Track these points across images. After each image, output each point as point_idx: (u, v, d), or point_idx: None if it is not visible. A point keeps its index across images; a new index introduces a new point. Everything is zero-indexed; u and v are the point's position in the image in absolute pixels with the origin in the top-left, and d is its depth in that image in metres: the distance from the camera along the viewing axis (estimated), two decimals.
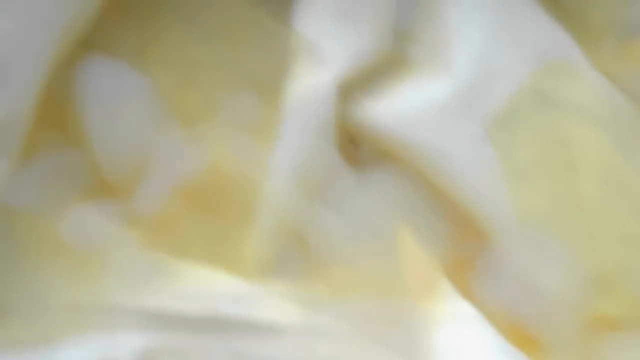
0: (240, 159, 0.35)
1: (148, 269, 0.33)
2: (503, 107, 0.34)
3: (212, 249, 0.34)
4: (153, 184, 0.35)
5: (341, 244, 0.35)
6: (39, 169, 0.34)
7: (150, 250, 0.34)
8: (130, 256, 0.33)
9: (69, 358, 0.31)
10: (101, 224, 0.34)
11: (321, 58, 0.34)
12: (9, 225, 0.33)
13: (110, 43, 0.36)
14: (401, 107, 0.34)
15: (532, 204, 0.34)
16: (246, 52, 0.37)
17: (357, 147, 0.35)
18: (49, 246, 0.33)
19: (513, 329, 0.34)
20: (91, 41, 0.36)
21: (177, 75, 0.36)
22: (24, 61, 0.33)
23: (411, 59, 0.35)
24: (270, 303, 0.33)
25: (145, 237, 0.34)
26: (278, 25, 0.37)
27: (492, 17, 0.35)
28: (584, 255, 0.33)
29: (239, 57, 0.37)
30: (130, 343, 0.31)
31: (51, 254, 0.33)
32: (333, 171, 0.34)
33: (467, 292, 0.34)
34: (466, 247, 0.35)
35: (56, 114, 0.35)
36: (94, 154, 0.35)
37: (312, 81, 0.34)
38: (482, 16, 0.35)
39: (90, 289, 0.33)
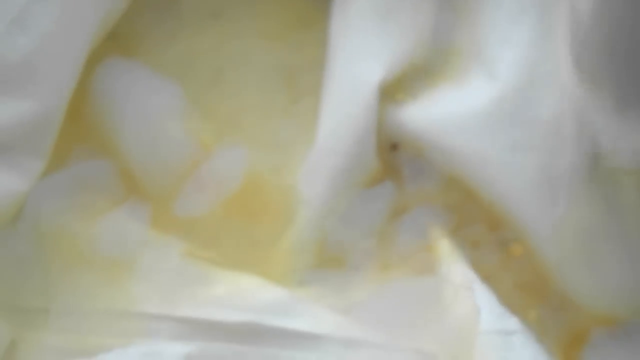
0: (276, 164, 0.34)
1: (184, 276, 0.33)
2: (549, 114, 0.33)
3: (250, 257, 0.34)
4: (192, 191, 0.34)
5: (377, 248, 0.34)
6: (71, 176, 0.34)
7: (187, 257, 0.33)
8: (165, 263, 0.33)
9: None
10: (135, 230, 0.33)
11: (364, 55, 0.34)
12: (40, 230, 0.33)
13: (136, 41, 0.35)
14: (443, 112, 0.34)
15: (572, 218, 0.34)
16: (280, 47, 0.36)
17: (395, 153, 0.34)
18: (80, 253, 0.33)
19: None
20: (117, 37, 0.35)
21: (204, 75, 0.35)
22: (59, 59, 0.32)
23: (453, 64, 0.34)
24: (308, 311, 0.33)
25: (182, 244, 0.33)
26: (316, 18, 0.36)
27: (535, 21, 0.34)
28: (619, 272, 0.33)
29: (272, 51, 0.36)
30: (172, 351, 0.31)
31: (81, 261, 0.33)
32: (371, 178, 0.34)
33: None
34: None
35: (86, 120, 0.34)
36: (126, 161, 0.34)
37: (353, 80, 0.34)
38: (525, 20, 0.34)
39: (124, 296, 0.32)
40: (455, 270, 0.34)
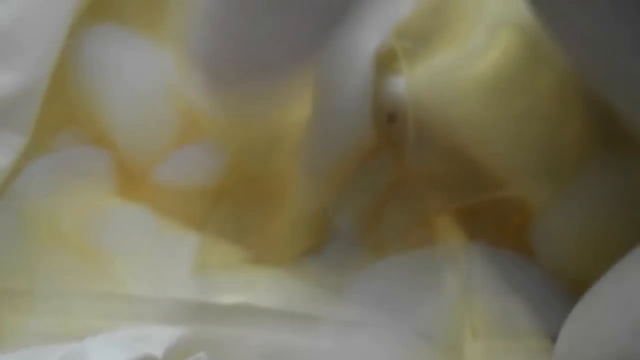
0: (269, 136, 0.33)
1: (173, 257, 0.32)
2: (552, 80, 0.32)
3: (242, 238, 0.33)
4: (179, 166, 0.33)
5: (372, 224, 0.33)
6: (60, 159, 0.33)
7: (176, 238, 0.32)
8: (153, 244, 0.32)
9: (102, 353, 0.29)
10: (121, 214, 0.32)
11: (357, 21, 0.32)
12: (23, 210, 0.32)
13: (122, 12, 0.34)
14: (443, 80, 0.32)
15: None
16: None
17: (393, 124, 0.33)
18: (63, 234, 0.32)
19: None
20: (101, 9, 0.34)
21: None
22: (40, 29, 0.31)
23: (452, 31, 0.33)
24: (304, 292, 0.31)
25: (170, 224, 0.32)
26: None
27: None
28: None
29: None
30: (163, 335, 0.29)
31: (65, 242, 0.32)
32: (368, 150, 0.33)
33: None
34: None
35: (71, 96, 0.33)
36: (114, 143, 0.33)
37: (346, 49, 0.32)
38: None
39: (109, 278, 0.31)
40: (453, 245, 0.33)
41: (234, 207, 0.33)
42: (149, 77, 0.33)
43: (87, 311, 0.31)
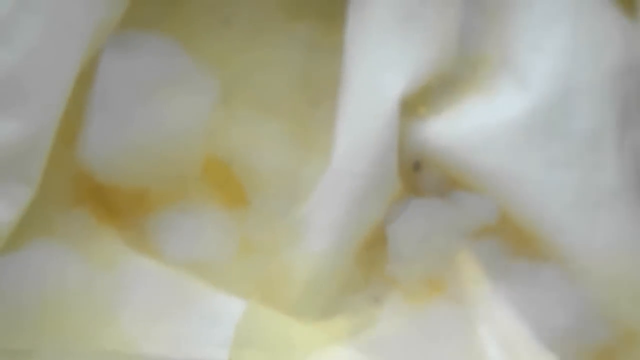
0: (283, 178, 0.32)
1: (185, 312, 0.30)
2: (589, 127, 0.30)
3: (257, 287, 0.31)
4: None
5: (399, 273, 0.32)
6: None
7: (188, 290, 0.30)
8: (163, 296, 0.30)
9: None
10: (127, 261, 0.30)
11: (383, 65, 0.31)
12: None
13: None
14: (470, 126, 0.31)
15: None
16: (287, 63, 0.33)
17: (419, 172, 0.31)
18: (69, 288, 0.30)
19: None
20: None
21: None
22: (48, 75, 0.29)
23: (480, 74, 0.32)
24: (327, 351, 0.30)
25: (182, 275, 0.30)
26: (323, 38, 0.33)
27: (569, 25, 0.31)
28: None
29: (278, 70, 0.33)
30: None
31: (71, 296, 0.30)
32: (393, 202, 0.31)
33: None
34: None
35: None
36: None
37: (371, 93, 0.31)
38: (559, 25, 0.31)
39: (118, 336, 0.30)
40: (486, 300, 0.31)
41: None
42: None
43: None
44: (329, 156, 0.31)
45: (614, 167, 0.30)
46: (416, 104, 0.31)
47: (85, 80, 0.31)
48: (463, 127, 0.31)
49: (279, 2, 0.33)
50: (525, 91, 0.31)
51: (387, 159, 0.31)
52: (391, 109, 0.30)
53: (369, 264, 0.32)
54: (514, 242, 0.31)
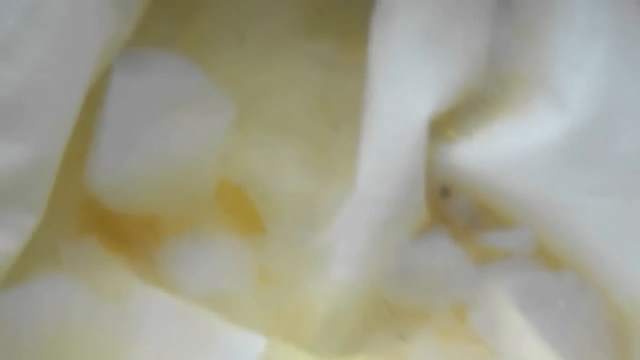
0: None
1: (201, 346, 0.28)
2: (632, 151, 0.29)
3: (277, 324, 0.29)
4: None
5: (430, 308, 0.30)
6: None
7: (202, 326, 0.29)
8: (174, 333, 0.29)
9: None
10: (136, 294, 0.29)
11: (410, 84, 0.29)
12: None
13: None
14: (503, 150, 0.30)
15: None
16: (304, 83, 0.32)
17: (447, 199, 0.30)
18: (75, 323, 0.29)
19: None
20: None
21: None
22: (55, 96, 0.28)
23: (513, 93, 0.31)
24: None
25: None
26: (342, 57, 0.32)
27: (609, 42, 0.30)
28: None
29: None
30: None
31: (76, 332, 0.29)
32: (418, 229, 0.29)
33: None
34: None
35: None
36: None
37: (397, 115, 0.29)
38: (598, 41, 0.30)
39: None
40: (516, 335, 0.30)
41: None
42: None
43: None
44: (349, 181, 0.30)
45: None
46: (445, 125, 0.30)
47: (94, 100, 0.30)
48: (495, 150, 0.30)
49: (295, 20, 0.32)
50: (562, 112, 0.30)
51: (413, 184, 0.29)
52: (418, 132, 0.29)
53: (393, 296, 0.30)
54: (549, 272, 0.30)
